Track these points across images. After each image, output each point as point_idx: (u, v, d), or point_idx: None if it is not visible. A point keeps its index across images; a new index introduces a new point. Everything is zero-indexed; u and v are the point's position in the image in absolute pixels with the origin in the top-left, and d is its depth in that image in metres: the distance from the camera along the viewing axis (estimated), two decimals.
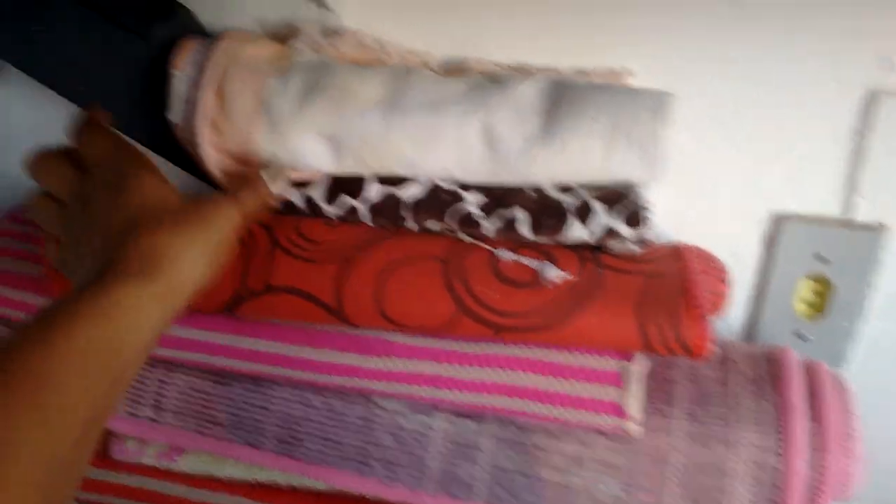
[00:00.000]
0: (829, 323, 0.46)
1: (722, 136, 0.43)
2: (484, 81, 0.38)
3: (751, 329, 0.48)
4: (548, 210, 0.37)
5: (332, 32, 0.40)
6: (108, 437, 0.45)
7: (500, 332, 0.36)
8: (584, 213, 0.37)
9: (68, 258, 0.36)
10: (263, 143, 0.38)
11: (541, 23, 0.42)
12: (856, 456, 0.36)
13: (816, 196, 0.44)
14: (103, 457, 0.45)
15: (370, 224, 0.40)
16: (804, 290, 0.46)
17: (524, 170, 0.37)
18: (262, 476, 0.43)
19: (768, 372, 0.40)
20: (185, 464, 0.44)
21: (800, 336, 0.47)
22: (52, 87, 0.43)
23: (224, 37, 0.39)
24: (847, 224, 0.44)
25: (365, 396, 0.40)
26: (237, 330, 0.40)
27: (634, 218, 0.36)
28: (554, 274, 0.36)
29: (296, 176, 0.39)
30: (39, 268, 0.44)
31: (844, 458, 0.36)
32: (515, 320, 0.35)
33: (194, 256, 0.32)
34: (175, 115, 0.39)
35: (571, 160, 0.37)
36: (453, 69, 0.41)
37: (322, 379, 0.40)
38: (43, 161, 0.36)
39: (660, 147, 0.35)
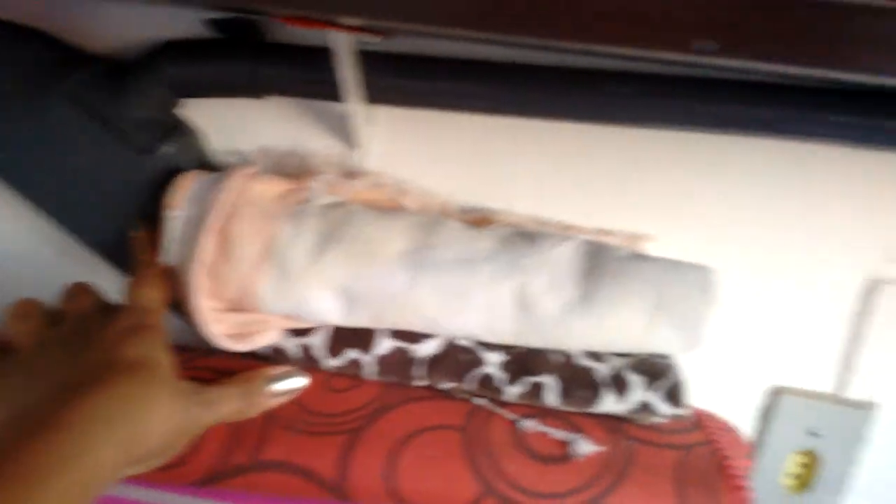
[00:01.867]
0: (815, 498, 0.45)
1: (729, 305, 0.43)
2: (516, 238, 0.35)
3: None
4: (578, 379, 0.34)
5: (351, 173, 0.37)
6: None
7: None
8: (620, 385, 0.34)
9: None
10: (268, 294, 0.33)
11: (567, 179, 0.41)
12: None
13: (812, 372, 0.44)
14: None
15: (376, 378, 0.35)
16: (792, 464, 0.46)
17: (559, 338, 0.34)
18: None
19: None
20: None
21: None
22: (31, 196, 0.35)
23: (232, 172, 0.34)
24: (839, 401, 0.44)
25: None
26: (207, 495, 0.33)
27: (675, 395, 0.34)
28: (585, 449, 0.33)
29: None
30: None
31: None
32: (550, 501, 0.31)
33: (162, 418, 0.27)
34: (167, 256, 0.33)
35: (610, 332, 0.34)
36: (475, 218, 0.38)
37: None
38: (21, 308, 0.31)
39: (703, 324, 0.34)
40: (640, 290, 0.34)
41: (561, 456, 0.33)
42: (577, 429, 0.34)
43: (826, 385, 0.44)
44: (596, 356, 0.35)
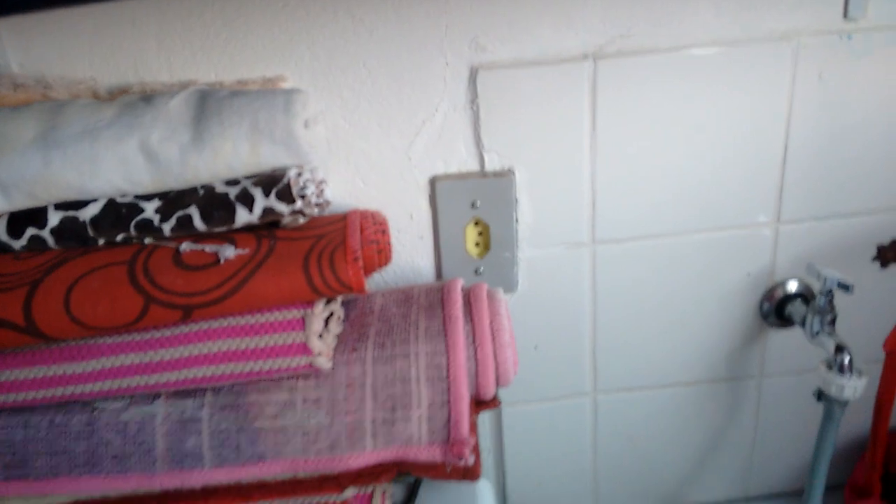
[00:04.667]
0: (495, 257, 0.57)
1: (375, 117, 0.52)
2: (136, 102, 0.43)
3: (439, 274, 0.58)
4: (216, 203, 0.43)
5: None
6: None
7: (189, 311, 0.41)
8: (248, 200, 0.43)
9: None
10: None
11: (199, 43, 0.48)
12: (504, 343, 0.46)
13: (458, 157, 0.54)
14: None
15: (58, 248, 0.43)
16: (471, 235, 0.57)
17: (186, 175, 0.43)
18: None
19: (439, 298, 0.49)
20: None
21: (477, 272, 0.57)
22: None
23: None
24: (485, 174, 0.55)
25: (84, 403, 0.43)
26: None
27: (286, 195, 0.43)
28: (231, 252, 0.42)
29: None
30: None
31: (496, 346, 0.46)
32: (200, 297, 0.41)
33: None
34: None
35: (224, 161, 0.43)
36: (115, 95, 0.45)
37: (37, 395, 0.42)
38: None
39: (298, 136, 0.43)
40: (237, 120, 0.42)
41: (212, 263, 0.42)
42: (230, 242, 0.43)
43: (471, 165, 0.55)
44: (232, 182, 0.44)
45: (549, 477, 0.67)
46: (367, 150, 0.53)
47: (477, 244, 0.57)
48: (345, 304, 0.50)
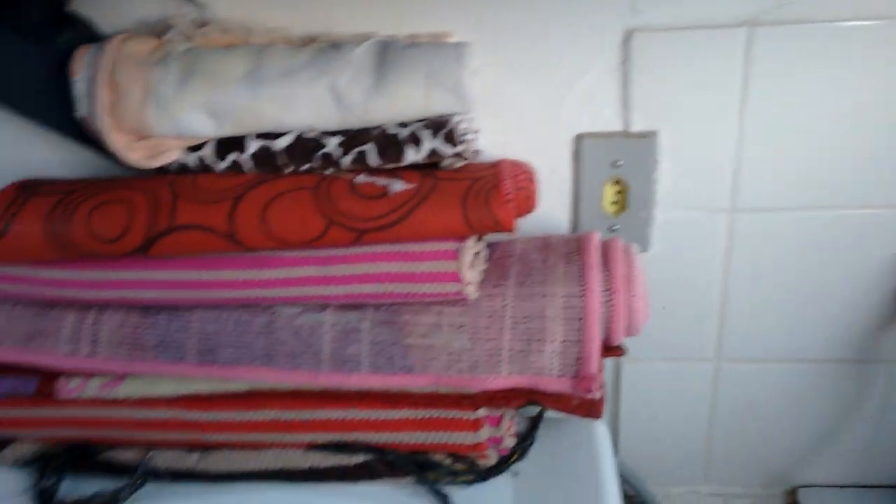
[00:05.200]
0: (631, 216, 0.59)
1: (529, 75, 0.55)
2: (326, 49, 0.49)
3: (574, 229, 0.61)
4: (389, 141, 0.48)
5: (200, 24, 0.50)
6: (50, 379, 0.53)
7: (361, 235, 0.47)
8: (416, 140, 0.48)
9: None
10: (154, 122, 0.48)
11: (379, 1, 0.53)
12: (637, 294, 0.49)
13: (604, 116, 0.57)
14: (49, 397, 0.53)
15: (253, 173, 0.50)
16: (609, 193, 0.59)
17: (366, 116, 0.48)
18: (191, 388, 0.52)
19: (577, 247, 0.52)
20: (124, 390, 0.53)
21: (611, 230, 0.60)
22: None
23: (110, 39, 0.48)
24: (629, 135, 0.57)
25: (265, 306, 0.51)
26: (154, 266, 0.50)
27: (452, 138, 0.48)
28: (400, 186, 0.47)
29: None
30: None
31: (629, 295, 0.49)
32: (372, 223, 0.46)
33: None
34: (81, 110, 0.48)
35: (401, 105, 0.48)
36: (305, 42, 0.52)
37: (229, 295, 0.49)
38: None
39: (466, 85, 0.47)
40: (413, 68, 0.47)
41: (382, 194, 0.48)
42: (398, 177, 0.49)
43: (616, 125, 0.57)
44: (403, 125, 0.49)
45: (661, 435, 0.69)
46: (518, 106, 0.56)
47: (614, 203, 0.60)
48: (488, 246, 0.54)
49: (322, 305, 0.50)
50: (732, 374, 0.66)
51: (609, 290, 0.48)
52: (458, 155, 0.48)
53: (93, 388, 0.53)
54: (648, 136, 0.56)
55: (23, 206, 0.49)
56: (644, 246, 0.60)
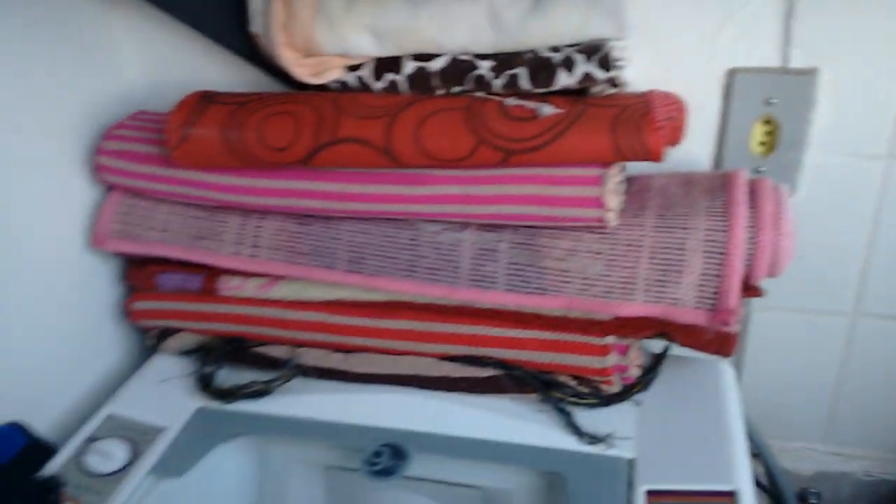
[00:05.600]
0: (780, 157, 0.57)
1: (685, 3, 0.54)
2: None
3: (717, 167, 0.59)
4: (541, 65, 0.49)
5: None
6: (216, 276, 0.59)
7: (509, 155, 0.48)
8: (569, 64, 0.48)
9: None
10: (323, 40, 0.51)
11: None
12: (784, 233, 0.48)
13: (761, 50, 0.54)
14: (211, 294, 0.60)
15: (407, 93, 0.52)
16: (758, 132, 0.57)
17: (520, 39, 0.49)
18: (337, 294, 0.57)
19: (723, 183, 0.51)
20: (278, 291, 0.58)
21: (757, 171, 0.58)
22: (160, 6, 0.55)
23: None
24: (786, 71, 0.54)
25: (411, 222, 0.53)
26: (313, 178, 0.53)
27: (606, 62, 0.48)
28: (548, 110, 0.48)
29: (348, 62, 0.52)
30: (160, 148, 0.57)
31: (775, 234, 0.48)
32: (520, 144, 0.48)
33: None
34: (255, 27, 0.52)
35: (557, 28, 0.48)
36: None
37: (378, 209, 0.53)
38: None
39: (624, 11, 0.47)
40: None
41: (532, 117, 0.49)
42: (547, 102, 0.49)
43: (773, 60, 0.54)
44: (555, 49, 0.49)
45: (784, 388, 0.68)
46: (670, 37, 0.55)
47: (762, 143, 0.58)
48: (626, 180, 0.54)
49: (463, 224, 0.53)
50: (869, 331, 0.63)
51: (755, 227, 0.48)
52: (610, 81, 0.48)
53: (250, 288, 0.59)
54: (808, 74, 0.54)
55: (203, 114, 0.53)
56: (790, 190, 0.58)
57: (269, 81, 0.61)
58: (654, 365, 0.55)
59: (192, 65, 0.65)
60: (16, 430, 0.53)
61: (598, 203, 0.47)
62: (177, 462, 0.53)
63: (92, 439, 0.54)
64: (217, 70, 0.64)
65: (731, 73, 0.55)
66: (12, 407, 0.54)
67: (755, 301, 0.63)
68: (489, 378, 0.54)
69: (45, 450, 0.53)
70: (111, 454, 0.52)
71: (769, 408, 0.70)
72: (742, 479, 0.46)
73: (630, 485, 0.47)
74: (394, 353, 0.57)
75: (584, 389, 0.53)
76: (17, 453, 0.51)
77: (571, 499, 0.47)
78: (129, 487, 0.50)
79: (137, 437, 0.54)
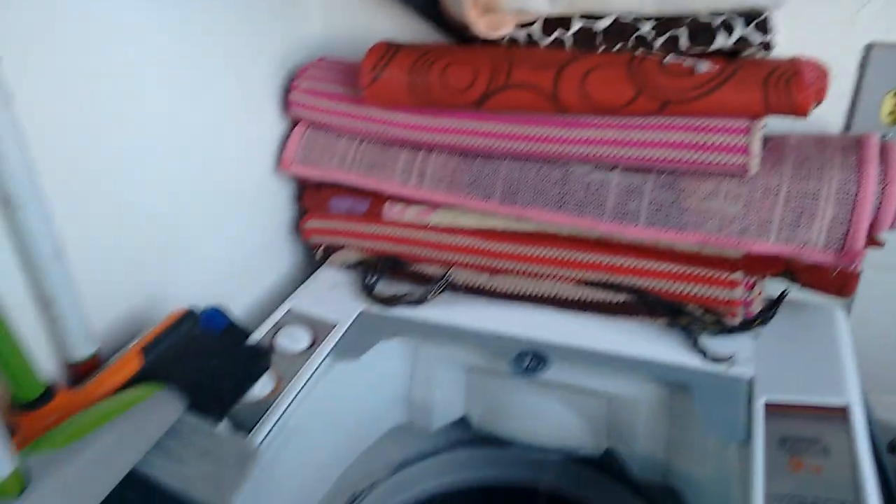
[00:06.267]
0: None
1: None
2: None
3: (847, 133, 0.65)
4: (701, 27, 0.55)
5: None
6: (381, 201, 0.68)
7: (665, 105, 0.55)
8: (728, 27, 0.55)
9: None
10: None
11: None
12: None
13: None
14: (377, 217, 0.69)
15: (571, 49, 0.60)
16: (889, 104, 0.62)
17: (683, 2, 0.56)
18: (490, 223, 0.65)
19: (855, 143, 0.57)
20: (436, 218, 0.67)
21: (884, 138, 0.63)
22: None
23: None
24: None
25: (563, 162, 0.61)
26: (481, 118, 0.62)
27: (764, 26, 0.54)
28: (705, 67, 0.55)
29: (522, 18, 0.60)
30: (347, 88, 0.66)
31: None
32: (678, 95, 0.54)
33: None
34: None
35: None
36: None
37: (538, 148, 0.61)
38: None
39: None
40: None
41: (688, 72, 0.55)
42: (703, 59, 0.56)
43: None
44: (716, 14, 0.56)
45: (885, 345, 0.72)
46: (815, 9, 0.60)
47: (891, 113, 0.62)
48: (764, 138, 0.60)
49: (612, 166, 0.60)
50: None
51: (884, 181, 0.53)
52: (763, 44, 0.55)
53: (411, 214, 0.68)
54: None
55: (391, 59, 0.62)
56: None
57: (434, 36, 0.69)
58: (775, 302, 0.61)
59: (365, 19, 0.74)
60: (219, 312, 0.63)
61: (745, 150, 0.54)
62: (350, 349, 0.63)
63: (279, 326, 0.65)
64: (383, 25, 0.73)
65: (869, 47, 0.60)
66: (214, 301, 0.65)
67: (866, 260, 0.68)
68: (623, 303, 0.62)
69: (241, 331, 0.64)
70: (298, 337, 0.63)
71: (868, 362, 0.74)
72: (853, 396, 0.52)
73: (750, 398, 0.54)
74: (536, 277, 0.65)
75: (710, 318, 0.60)
76: (222, 330, 0.62)
77: (698, 407, 0.54)
78: (313, 364, 0.60)
79: (316, 327, 0.65)
